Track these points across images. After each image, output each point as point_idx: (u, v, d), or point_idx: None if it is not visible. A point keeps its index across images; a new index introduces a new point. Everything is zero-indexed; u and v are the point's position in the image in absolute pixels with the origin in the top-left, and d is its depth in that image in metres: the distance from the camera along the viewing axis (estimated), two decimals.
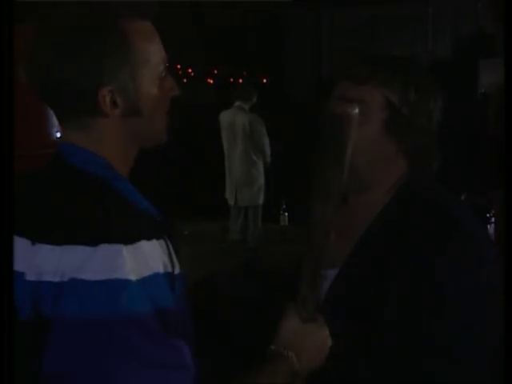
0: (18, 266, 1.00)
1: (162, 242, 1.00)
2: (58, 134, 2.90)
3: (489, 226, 4.65)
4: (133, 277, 0.93)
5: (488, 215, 4.67)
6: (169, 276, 0.99)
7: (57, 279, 0.93)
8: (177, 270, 1.02)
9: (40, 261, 0.96)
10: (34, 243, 0.98)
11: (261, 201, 6.37)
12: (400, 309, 1.17)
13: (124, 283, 0.92)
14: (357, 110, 1.17)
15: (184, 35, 9.39)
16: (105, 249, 0.93)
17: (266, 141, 6.17)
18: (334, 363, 1.19)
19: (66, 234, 0.96)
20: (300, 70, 9.32)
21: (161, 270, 0.97)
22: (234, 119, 6.12)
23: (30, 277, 0.97)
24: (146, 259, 0.95)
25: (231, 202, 6.34)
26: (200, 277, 4.13)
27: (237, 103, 6.14)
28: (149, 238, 0.97)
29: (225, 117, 6.20)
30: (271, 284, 1.28)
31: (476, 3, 7.41)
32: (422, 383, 1.17)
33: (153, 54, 1.06)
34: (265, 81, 10.59)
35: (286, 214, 7.07)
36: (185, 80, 9.18)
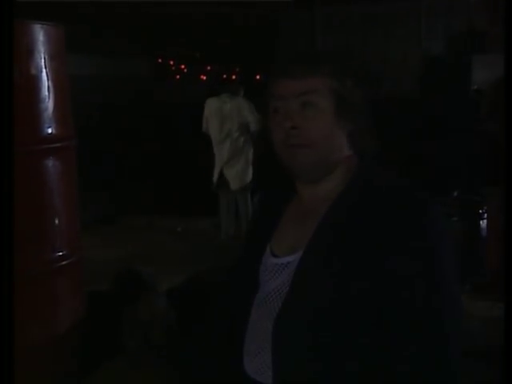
0: None
1: None
2: (50, 130, 2.89)
3: (481, 222, 4.68)
4: None
5: (481, 211, 4.70)
6: None
7: None
8: None
9: None
10: None
11: (249, 179, 6.32)
12: (361, 296, 1.20)
13: None
14: None
15: (177, 32, 9.39)
16: None
17: (253, 118, 6.09)
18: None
19: None
20: None
21: None
22: (221, 106, 6.14)
23: None
24: None
25: (215, 179, 6.27)
26: (192, 273, 4.13)
27: (223, 95, 6.16)
28: None
29: (212, 103, 6.21)
30: None
31: None
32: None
33: None
34: (258, 77, 10.59)
35: None
36: (178, 76, 9.18)
